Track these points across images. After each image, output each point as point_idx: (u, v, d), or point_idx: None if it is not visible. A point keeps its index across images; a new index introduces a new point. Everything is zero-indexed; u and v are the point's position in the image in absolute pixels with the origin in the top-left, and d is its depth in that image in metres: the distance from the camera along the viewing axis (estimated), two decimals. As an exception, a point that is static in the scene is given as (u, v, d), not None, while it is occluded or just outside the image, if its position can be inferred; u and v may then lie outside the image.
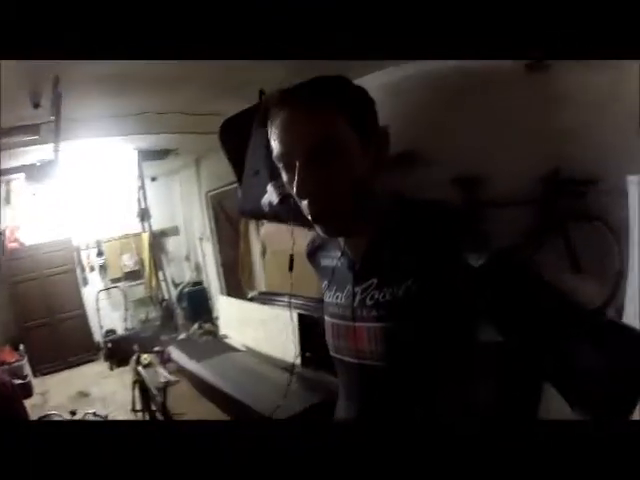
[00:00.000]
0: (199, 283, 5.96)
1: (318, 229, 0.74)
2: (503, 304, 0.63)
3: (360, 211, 0.72)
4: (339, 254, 0.85)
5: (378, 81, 3.00)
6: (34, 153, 3.71)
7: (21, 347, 5.21)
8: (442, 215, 0.74)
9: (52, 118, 2.83)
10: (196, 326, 5.21)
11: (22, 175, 4.41)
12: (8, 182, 5.07)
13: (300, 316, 2.50)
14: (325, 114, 0.68)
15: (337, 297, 0.84)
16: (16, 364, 4.86)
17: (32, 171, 4.25)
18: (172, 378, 2.55)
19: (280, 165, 0.73)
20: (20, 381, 4.38)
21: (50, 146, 3.38)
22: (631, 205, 1.91)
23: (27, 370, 5.01)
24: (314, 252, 0.96)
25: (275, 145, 0.71)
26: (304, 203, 0.71)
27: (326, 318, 0.88)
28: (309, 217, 0.72)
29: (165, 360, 2.83)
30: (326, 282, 0.89)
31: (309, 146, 0.67)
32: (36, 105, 2.68)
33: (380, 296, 0.74)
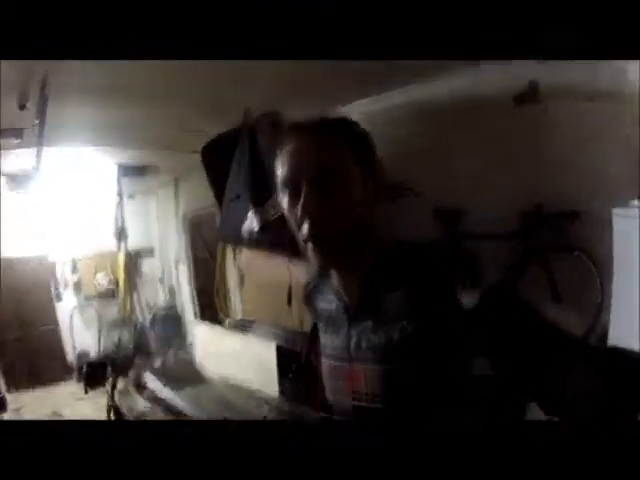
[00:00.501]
0: (173, 307, 5.84)
1: (312, 256, 0.75)
2: (498, 340, 0.66)
3: (357, 241, 0.76)
4: (334, 297, 0.86)
5: (363, 109, 3.00)
6: (15, 159, 3.59)
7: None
8: (435, 256, 0.77)
9: (36, 122, 2.71)
10: (171, 352, 5.11)
11: (2, 182, 4.27)
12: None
13: (278, 347, 2.44)
14: (333, 144, 0.74)
15: (333, 339, 0.86)
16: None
17: (11, 179, 4.15)
18: (147, 405, 2.45)
19: (285, 189, 0.76)
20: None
21: (32, 152, 3.22)
22: (616, 237, 1.91)
23: (1, 384, 4.87)
24: (311, 295, 0.98)
25: (283, 169, 0.76)
26: (305, 226, 0.73)
27: (323, 360, 0.90)
28: (306, 241, 0.74)
29: (140, 387, 2.77)
30: (322, 324, 0.91)
31: (317, 171, 0.72)
32: (22, 106, 2.59)
33: (376, 338, 0.76)
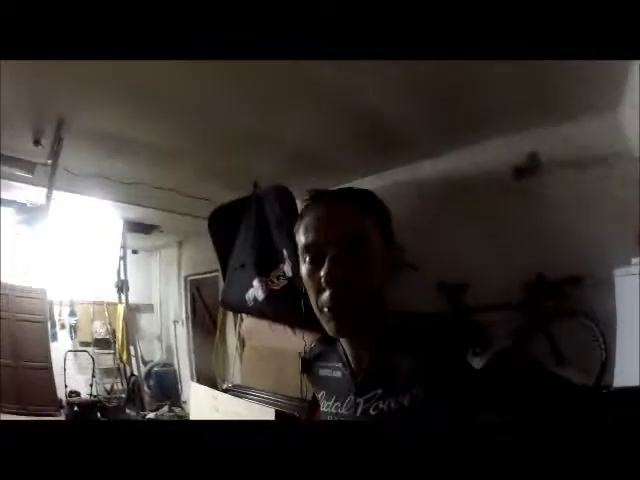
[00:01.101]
0: (169, 365, 5.80)
1: (330, 326, 0.74)
2: (507, 400, 0.64)
3: (372, 313, 0.74)
4: (340, 364, 0.84)
5: (368, 185, 3.09)
6: (25, 192, 3.64)
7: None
8: (445, 323, 0.77)
9: (49, 162, 2.78)
10: (166, 408, 4.99)
11: (10, 210, 4.26)
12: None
13: (277, 413, 2.40)
14: (358, 214, 0.73)
15: (337, 407, 0.82)
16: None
17: (21, 210, 4.14)
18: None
19: (307, 255, 0.75)
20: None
21: (42, 191, 3.25)
22: (618, 296, 1.94)
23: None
24: (311, 362, 0.95)
25: (306, 235, 0.74)
26: (325, 293, 0.71)
27: None
28: (325, 311, 0.72)
29: None
30: (323, 392, 0.88)
31: (343, 238, 0.71)
32: (36, 142, 2.64)
33: (385, 405, 0.73)
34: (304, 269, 0.75)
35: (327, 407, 0.85)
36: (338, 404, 0.82)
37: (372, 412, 0.75)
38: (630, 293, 1.84)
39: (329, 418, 0.84)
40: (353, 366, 0.81)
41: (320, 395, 0.89)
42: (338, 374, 0.84)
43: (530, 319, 2.55)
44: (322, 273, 0.71)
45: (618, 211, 2.24)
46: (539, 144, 2.57)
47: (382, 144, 2.74)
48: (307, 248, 0.74)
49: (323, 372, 0.90)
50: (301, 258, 0.76)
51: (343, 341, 0.81)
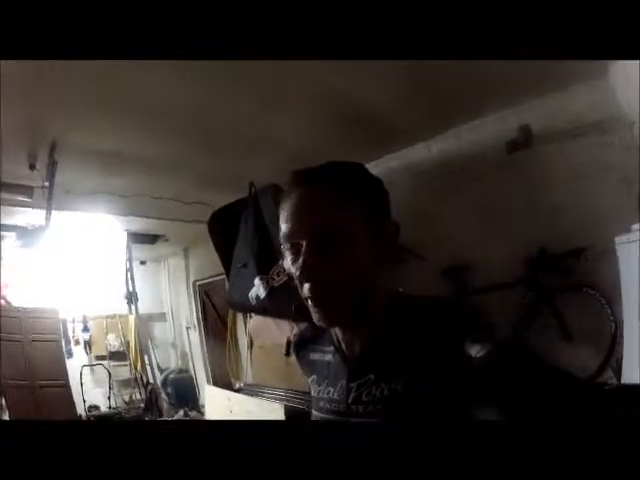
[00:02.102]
0: (185, 370, 5.85)
1: (315, 317, 0.72)
2: (506, 390, 0.62)
3: (360, 302, 0.71)
4: (332, 348, 0.82)
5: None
6: (26, 215, 3.69)
7: (3, 401, 4.79)
8: (445, 310, 0.73)
9: (46, 184, 2.84)
10: (182, 412, 5.03)
11: (13, 234, 4.34)
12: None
13: (286, 408, 2.43)
14: (336, 200, 0.68)
15: (329, 392, 0.80)
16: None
17: (23, 234, 4.20)
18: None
19: (286, 246, 0.72)
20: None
21: (41, 212, 3.31)
22: (622, 264, 1.90)
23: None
24: (301, 344, 0.92)
25: (283, 225, 0.71)
26: (305, 287, 0.69)
27: (314, 413, 0.84)
28: (308, 302, 0.71)
29: None
30: (314, 376, 0.85)
31: (317, 229, 0.67)
32: (32, 166, 2.70)
33: (378, 392, 0.71)
34: (286, 259, 0.73)
35: (318, 392, 0.83)
36: (330, 389, 0.80)
37: (364, 398, 0.73)
38: (633, 260, 1.80)
39: (320, 404, 0.82)
40: (345, 351, 0.79)
41: (311, 379, 0.87)
42: (330, 358, 0.82)
43: (535, 295, 2.54)
44: (298, 268, 0.69)
45: (616, 177, 2.21)
46: (531, 117, 2.54)
47: (375, 132, 2.74)
48: (284, 238, 0.72)
49: (314, 356, 0.87)
50: (283, 247, 0.73)
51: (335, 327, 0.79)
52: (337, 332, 0.80)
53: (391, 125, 2.66)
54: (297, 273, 0.69)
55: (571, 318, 2.38)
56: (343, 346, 0.79)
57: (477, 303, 2.54)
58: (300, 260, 0.68)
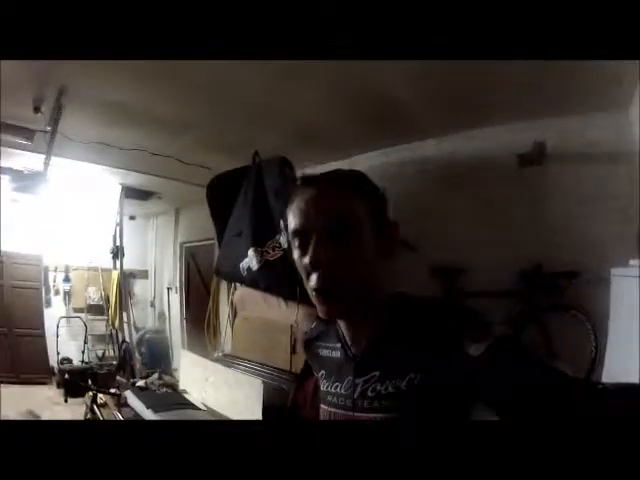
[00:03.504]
0: (161, 331, 5.83)
1: (320, 309, 0.75)
2: (505, 388, 0.65)
3: (364, 298, 0.75)
4: (339, 345, 0.85)
5: (370, 162, 3.06)
6: (23, 158, 3.60)
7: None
8: (445, 310, 0.77)
9: (48, 129, 2.77)
10: (156, 375, 5.03)
11: (7, 177, 4.23)
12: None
13: (264, 384, 2.40)
14: (346, 197, 0.73)
15: (337, 387, 0.84)
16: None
17: (18, 177, 4.11)
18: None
19: (296, 239, 0.76)
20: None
21: (40, 158, 3.30)
22: (613, 295, 1.93)
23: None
24: (312, 341, 0.96)
25: (294, 220, 0.75)
26: (313, 277, 0.73)
27: (323, 407, 0.88)
28: (314, 292, 0.74)
29: (121, 404, 2.70)
30: (323, 372, 0.89)
31: (328, 222, 0.72)
32: (37, 109, 2.62)
33: (382, 388, 0.75)
34: (294, 253, 0.77)
35: (326, 387, 0.86)
36: (338, 384, 0.83)
37: (370, 394, 0.76)
38: (626, 294, 1.82)
39: (328, 398, 0.85)
40: (352, 347, 0.82)
41: (320, 375, 0.91)
42: (337, 354, 0.86)
43: (524, 308, 2.56)
44: (307, 258, 0.72)
45: (622, 210, 2.22)
46: (546, 134, 2.53)
47: (387, 122, 2.70)
48: (295, 233, 0.75)
49: (323, 352, 0.91)
50: (291, 242, 0.77)
51: (340, 322, 0.82)
52: (342, 329, 0.83)
53: (404, 115, 2.61)
54: (306, 262, 0.72)
55: (556, 337, 2.40)
56: (349, 343, 0.82)
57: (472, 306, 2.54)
58: (310, 253, 0.72)
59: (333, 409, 0.84)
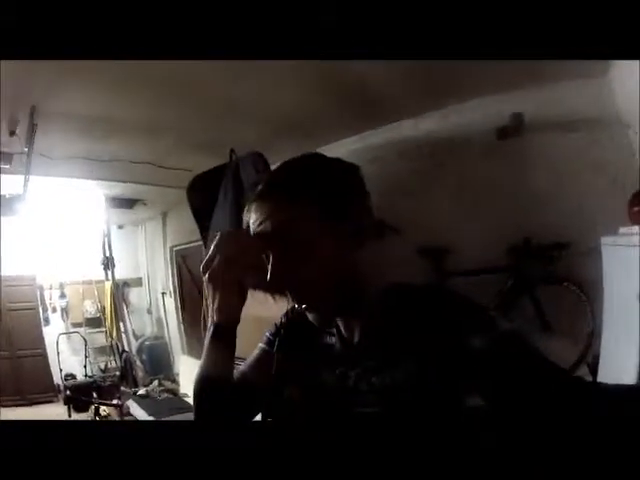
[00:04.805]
0: (160, 337, 5.83)
1: (310, 317, 0.74)
2: (505, 385, 0.63)
3: (346, 294, 0.72)
4: (326, 336, 0.83)
5: (348, 147, 3.03)
6: (3, 183, 3.50)
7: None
8: (443, 300, 0.73)
9: (25, 149, 2.79)
10: (156, 383, 5.03)
11: None
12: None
13: None
14: (284, 208, 0.68)
15: (323, 379, 0.81)
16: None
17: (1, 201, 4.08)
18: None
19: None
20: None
21: (20, 179, 3.26)
22: (606, 265, 1.89)
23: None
24: (289, 332, 0.92)
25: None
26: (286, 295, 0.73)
27: (312, 397, 0.84)
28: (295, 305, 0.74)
29: (123, 414, 2.70)
30: (312, 364, 0.86)
31: (275, 243, 0.68)
32: (12, 133, 2.66)
33: (377, 380, 0.72)
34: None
35: (305, 379, 0.83)
36: (329, 375, 0.80)
37: (364, 386, 0.74)
38: (617, 263, 1.79)
39: (319, 389, 0.82)
40: (346, 339, 0.80)
41: (308, 366, 0.86)
42: (324, 345, 0.83)
43: (515, 284, 2.53)
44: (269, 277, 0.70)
45: (606, 177, 2.19)
46: (524, 105, 2.47)
47: (361, 103, 2.67)
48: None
49: (305, 342, 0.87)
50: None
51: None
52: (337, 322, 0.81)
53: (377, 97, 2.57)
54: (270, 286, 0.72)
55: (549, 310, 2.38)
56: (344, 335, 0.80)
57: (456, 286, 2.53)
58: (268, 275, 0.69)
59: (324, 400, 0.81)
